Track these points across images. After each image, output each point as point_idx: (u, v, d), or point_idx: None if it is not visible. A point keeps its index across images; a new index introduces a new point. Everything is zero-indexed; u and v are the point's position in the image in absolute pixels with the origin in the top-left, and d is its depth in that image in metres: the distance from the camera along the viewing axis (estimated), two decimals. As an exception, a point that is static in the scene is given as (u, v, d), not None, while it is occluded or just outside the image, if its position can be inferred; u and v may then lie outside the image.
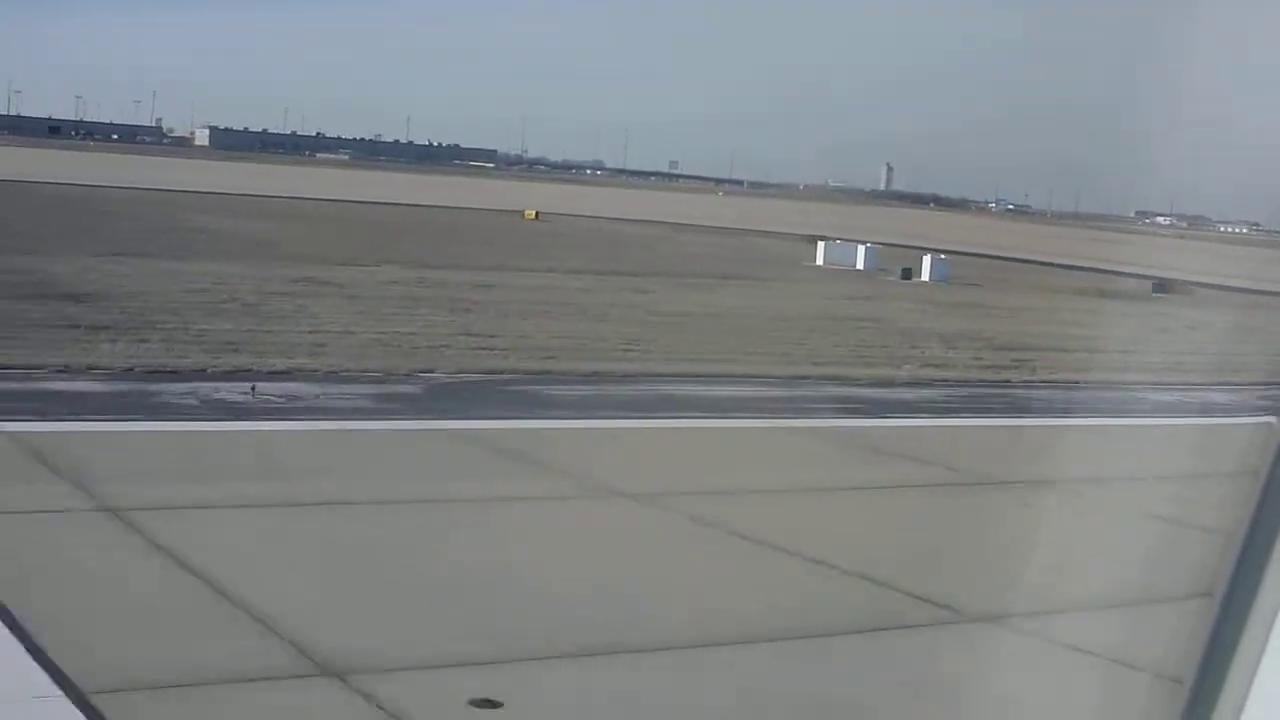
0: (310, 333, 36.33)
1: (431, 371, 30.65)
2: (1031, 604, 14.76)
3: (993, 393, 34.19)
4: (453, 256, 67.71)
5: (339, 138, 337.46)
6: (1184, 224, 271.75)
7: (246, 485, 19.26)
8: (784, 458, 23.69)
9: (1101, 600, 15.27)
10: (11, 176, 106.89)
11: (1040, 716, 12.43)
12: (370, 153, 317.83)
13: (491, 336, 37.70)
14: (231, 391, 26.62)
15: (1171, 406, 33.31)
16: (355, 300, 45.74)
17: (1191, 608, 3.30)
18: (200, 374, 28.64)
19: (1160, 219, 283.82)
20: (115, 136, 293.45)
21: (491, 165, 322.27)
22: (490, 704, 11.71)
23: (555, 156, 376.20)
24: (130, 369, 28.60)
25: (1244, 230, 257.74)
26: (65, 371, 27.79)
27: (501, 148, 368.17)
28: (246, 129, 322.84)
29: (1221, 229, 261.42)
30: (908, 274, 75.98)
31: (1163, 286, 78.20)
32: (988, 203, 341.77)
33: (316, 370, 29.83)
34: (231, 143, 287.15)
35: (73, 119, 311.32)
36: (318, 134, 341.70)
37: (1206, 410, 31.98)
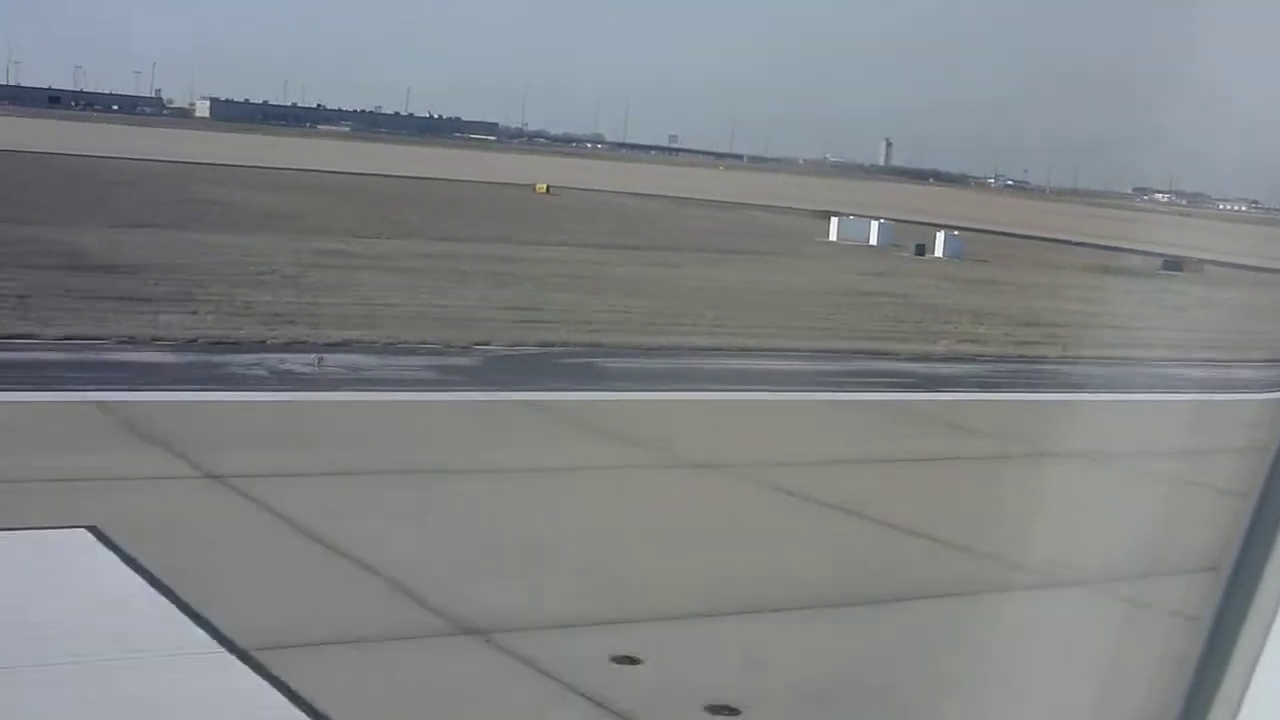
0: (355, 305, 36.80)
1: (488, 344, 31.13)
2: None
3: (1036, 368, 34.75)
4: (472, 230, 68.11)
5: (340, 110, 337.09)
6: (1183, 201, 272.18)
7: (338, 453, 19.81)
8: (850, 430, 24.27)
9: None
10: (19, 147, 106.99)
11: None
12: (371, 125, 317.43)
13: (534, 310, 38.19)
14: (296, 363, 27.11)
15: (1217, 383, 33.88)
16: (389, 273, 46.15)
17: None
18: (260, 345, 29.11)
19: (1159, 196, 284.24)
20: (116, 107, 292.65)
21: (493, 138, 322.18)
22: (631, 660, 12.28)
23: (555, 130, 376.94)
24: (193, 340, 29.06)
25: (1243, 208, 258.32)
26: (130, 343, 28.24)
27: (502, 121, 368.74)
28: (247, 100, 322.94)
29: (1221, 206, 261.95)
30: (921, 250, 76.43)
31: (1174, 264, 78.63)
32: (986, 178, 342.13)
33: (374, 342, 30.32)
34: (232, 114, 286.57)
35: (73, 89, 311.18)
36: (318, 106, 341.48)
37: (1247, 386, 32.57)
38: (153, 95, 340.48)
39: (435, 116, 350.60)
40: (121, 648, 12.13)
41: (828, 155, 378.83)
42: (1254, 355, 39.69)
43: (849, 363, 33.62)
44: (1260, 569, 2.55)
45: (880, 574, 15.62)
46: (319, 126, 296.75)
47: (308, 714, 10.71)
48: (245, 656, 11.81)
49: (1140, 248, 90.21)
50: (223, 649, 12.05)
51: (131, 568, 14.03)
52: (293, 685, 11.22)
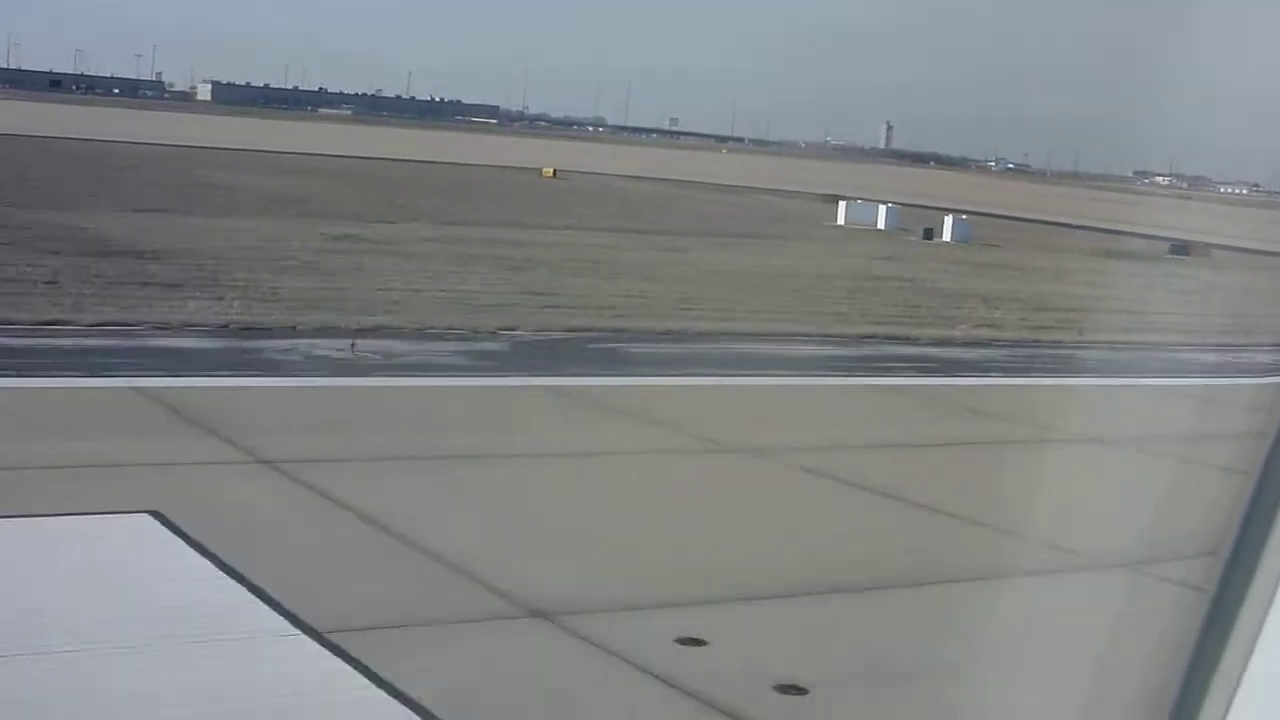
0: (378, 290, 37.03)
1: (514, 330, 31.40)
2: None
3: (1055, 353, 35.02)
4: (482, 214, 68.28)
5: (341, 93, 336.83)
6: (1184, 184, 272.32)
7: (381, 439, 20.08)
8: (877, 414, 24.56)
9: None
10: (25, 132, 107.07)
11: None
12: (372, 108, 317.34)
13: (553, 295, 38.44)
14: (330, 348, 27.36)
15: (1235, 367, 34.15)
16: (405, 258, 46.36)
17: None
18: (291, 331, 29.37)
19: (1160, 179, 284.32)
20: (117, 91, 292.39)
21: (494, 121, 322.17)
22: (697, 642, 12.58)
23: (556, 113, 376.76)
24: (224, 325, 29.33)
25: (1244, 191, 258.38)
26: (165, 328, 28.51)
27: (503, 104, 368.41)
28: (249, 84, 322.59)
29: (1222, 190, 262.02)
30: (929, 234, 76.63)
31: (1181, 248, 78.84)
32: (987, 161, 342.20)
33: (403, 328, 30.58)
34: (234, 98, 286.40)
35: (73, 73, 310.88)
36: (320, 89, 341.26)
37: (1265, 370, 32.85)
38: (154, 79, 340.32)
39: (437, 100, 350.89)
40: (199, 631, 12.41)
41: (828, 138, 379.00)
42: (1268, 340, 39.98)
43: (870, 348, 33.89)
44: (1259, 552, 2.55)
45: (923, 556, 15.92)
46: (320, 110, 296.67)
47: (391, 695, 10.99)
48: (322, 639, 12.10)
49: (1145, 231, 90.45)
50: (299, 631, 12.34)
51: (198, 552, 14.32)
52: (372, 667, 11.51)
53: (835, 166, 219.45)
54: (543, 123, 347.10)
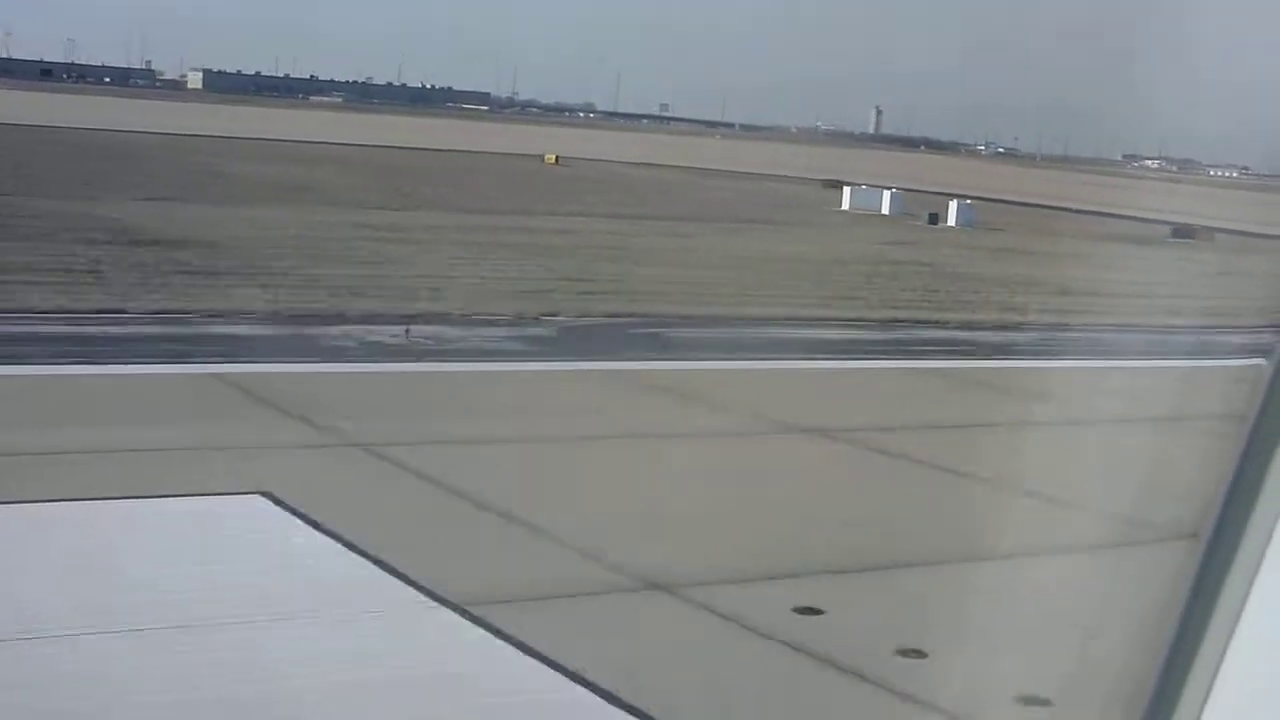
0: (414, 277, 37.58)
1: (557, 315, 31.98)
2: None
3: (1091, 336, 35.70)
4: (493, 201, 68.74)
5: (332, 81, 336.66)
6: (1174, 168, 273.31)
7: (458, 421, 20.68)
8: (931, 397, 25.21)
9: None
10: (23, 121, 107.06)
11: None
12: (364, 95, 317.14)
13: (584, 281, 39.02)
14: (383, 334, 27.92)
15: (1265, 348, 34.83)
16: (429, 246, 46.89)
17: None
18: (340, 318, 29.92)
19: (1149, 162, 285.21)
20: (108, 80, 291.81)
21: (485, 108, 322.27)
22: (813, 610, 13.20)
23: (547, 99, 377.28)
24: (275, 313, 29.86)
25: (1234, 174, 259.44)
26: (220, 316, 29.04)
27: (493, 91, 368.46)
28: (240, 72, 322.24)
29: (1211, 173, 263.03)
30: (934, 219, 77.23)
31: (1184, 232, 79.44)
32: (977, 146, 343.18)
33: (448, 314, 31.15)
34: (225, 86, 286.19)
35: (64, 62, 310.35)
36: (311, 77, 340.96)
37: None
38: (144, 67, 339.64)
39: (428, 87, 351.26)
40: (344, 604, 13.01)
41: (818, 123, 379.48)
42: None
43: (905, 331, 34.54)
44: (1239, 535, 2.59)
45: (1011, 530, 16.55)
46: (312, 98, 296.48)
47: (544, 663, 11.58)
48: (463, 611, 12.68)
49: (1143, 215, 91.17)
50: (438, 604, 12.93)
51: (318, 529, 14.89)
52: (518, 638, 12.09)
53: (827, 152, 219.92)
54: (534, 109, 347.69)
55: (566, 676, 11.32)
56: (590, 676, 11.28)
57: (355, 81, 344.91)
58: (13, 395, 20.61)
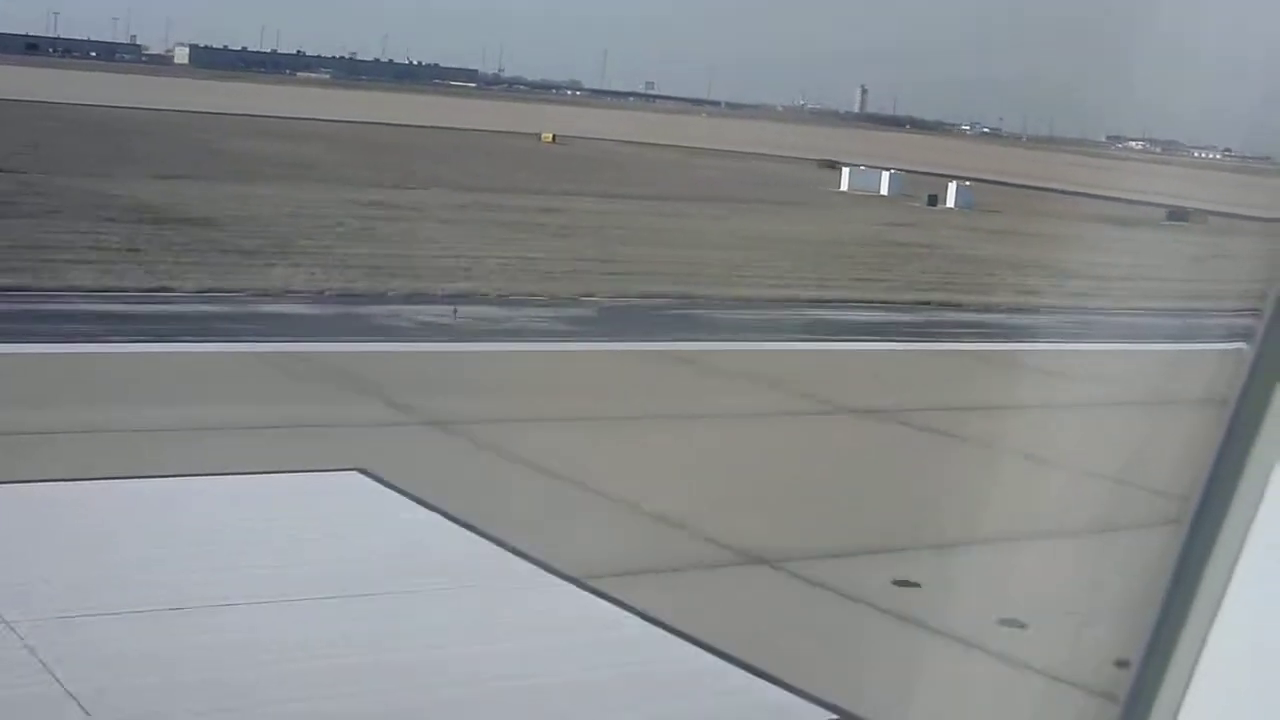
0: (442, 257, 38.03)
1: (592, 295, 32.53)
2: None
3: (1113, 320, 36.39)
4: (497, 180, 69.06)
5: (319, 56, 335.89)
6: (1158, 149, 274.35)
7: (527, 399, 21.29)
8: (965, 378, 25.87)
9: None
10: (19, 97, 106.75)
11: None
12: (350, 71, 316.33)
13: (607, 262, 39.51)
14: (430, 314, 28.42)
15: None
16: (445, 225, 47.29)
17: None
18: (384, 297, 30.41)
19: (1133, 144, 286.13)
20: (94, 54, 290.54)
21: (472, 85, 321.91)
22: (911, 584, 13.84)
23: (532, 76, 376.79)
24: (320, 292, 30.34)
25: (1217, 156, 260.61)
26: (266, 295, 29.50)
27: (479, 67, 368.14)
28: (226, 47, 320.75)
29: (1195, 154, 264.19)
30: (933, 200, 77.82)
31: (1178, 214, 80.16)
32: (962, 126, 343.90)
33: (487, 294, 31.68)
34: (212, 61, 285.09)
35: (49, 36, 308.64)
36: (298, 52, 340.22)
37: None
38: (129, 42, 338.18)
39: (414, 63, 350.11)
40: (464, 577, 13.61)
41: (803, 101, 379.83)
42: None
43: (924, 314, 35.20)
44: (1221, 519, 2.60)
45: (1079, 508, 17.20)
46: (299, 74, 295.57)
47: (670, 633, 12.19)
48: (582, 584, 13.28)
49: (1135, 197, 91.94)
50: (556, 577, 13.51)
51: (422, 505, 15.45)
52: (640, 609, 12.69)
53: (815, 131, 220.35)
54: (520, 86, 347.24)
55: (696, 645, 11.92)
56: (721, 645, 11.88)
57: (341, 57, 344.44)
58: (92, 373, 21.08)
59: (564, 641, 12.21)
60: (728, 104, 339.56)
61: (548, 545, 14.33)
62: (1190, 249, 59.76)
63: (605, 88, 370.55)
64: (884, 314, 34.33)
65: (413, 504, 15.52)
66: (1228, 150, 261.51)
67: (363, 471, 16.55)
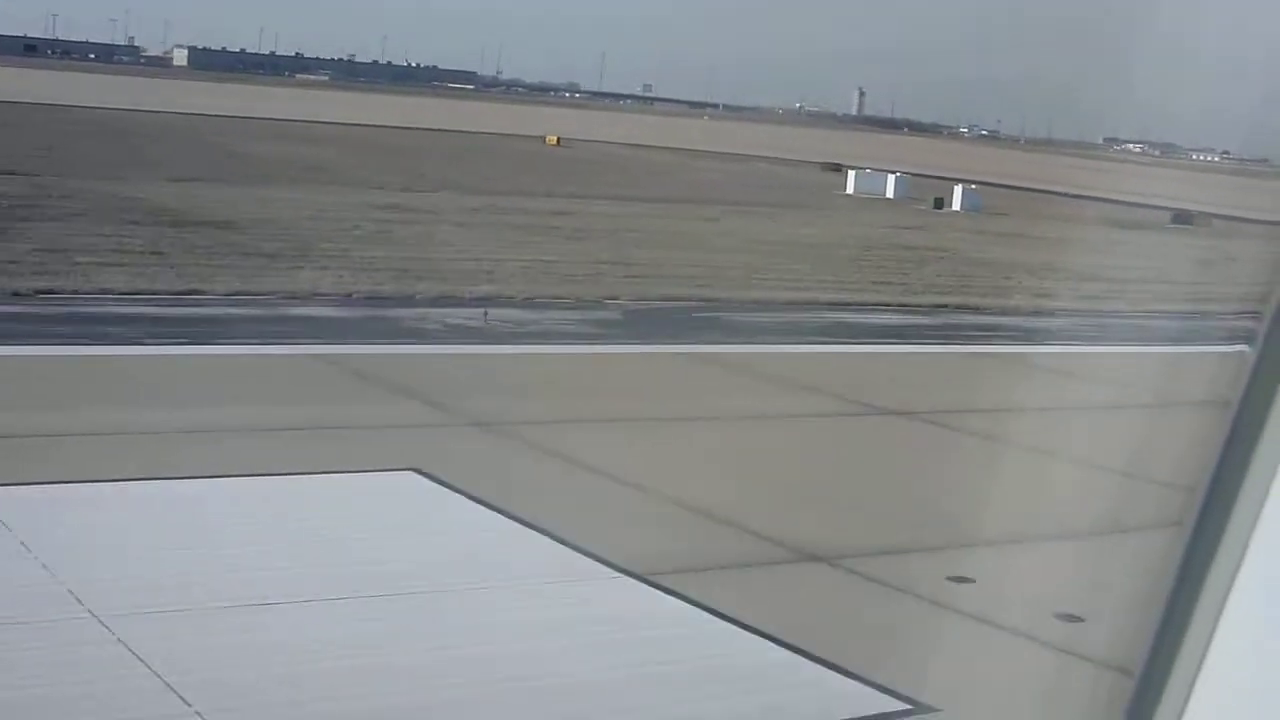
0: (462, 260, 38.35)
1: (617, 298, 32.85)
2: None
3: (1132, 323, 36.79)
4: (506, 183, 69.33)
5: (317, 58, 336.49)
6: (1156, 151, 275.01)
7: (565, 401, 21.59)
8: (989, 380, 26.22)
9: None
10: (22, 99, 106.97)
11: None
12: (349, 73, 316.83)
13: (628, 265, 39.84)
14: (460, 317, 28.74)
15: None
16: (461, 228, 47.58)
17: None
18: (412, 300, 30.72)
19: (1131, 146, 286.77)
20: (93, 56, 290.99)
21: (471, 87, 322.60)
22: (965, 579, 14.17)
23: (531, 78, 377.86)
24: (349, 295, 30.65)
25: (1215, 158, 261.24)
26: (295, 298, 29.80)
27: (477, 69, 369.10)
28: (225, 49, 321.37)
29: (1193, 156, 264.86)
30: (939, 204, 78.20)
31: (1183, 218, 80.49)
32: (960, 128, 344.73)
33: (513, 297, 31.98)
34: (210, 63, 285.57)
35: (48, 38, 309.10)
36: (297, 54, 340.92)
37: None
38: (127, 44, 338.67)
39: (413, 65, 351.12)
40: (526, 574, 13.90)
41: (800, 104, 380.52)
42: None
43: (943, 317, 35.53)
44: (1224, 522, 2.59)
45: (1132, 506, 17.51)
46: (297, 75, 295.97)
47: (741, 628, 12.50)
48: (646, 580, 13.59)
49: (1138, 200, 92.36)
50: (620, 573, 13.82)
51: (481, 504, 15.75)
52: (707, 605, 13.00)
53: (814, 133, 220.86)
54: (519, 89, 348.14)
55: (769, 640, 12.24)
56: (792, 639, 12.20)
57: (340, 59, 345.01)
58: (137, 377, 21.39)
59: (634, 636, 12.51)
60: (726, 106, 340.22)
61: (606, 543, 14.64)
62: (1198, 252, 60.13)
63: (603, 90, 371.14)
64: (903, 317, 34.68)
65: (472, 503, 15.82)
66: (1226, 153, 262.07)
67: (418, 471, 16.85)
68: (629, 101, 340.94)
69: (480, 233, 46.42)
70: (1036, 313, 37.22)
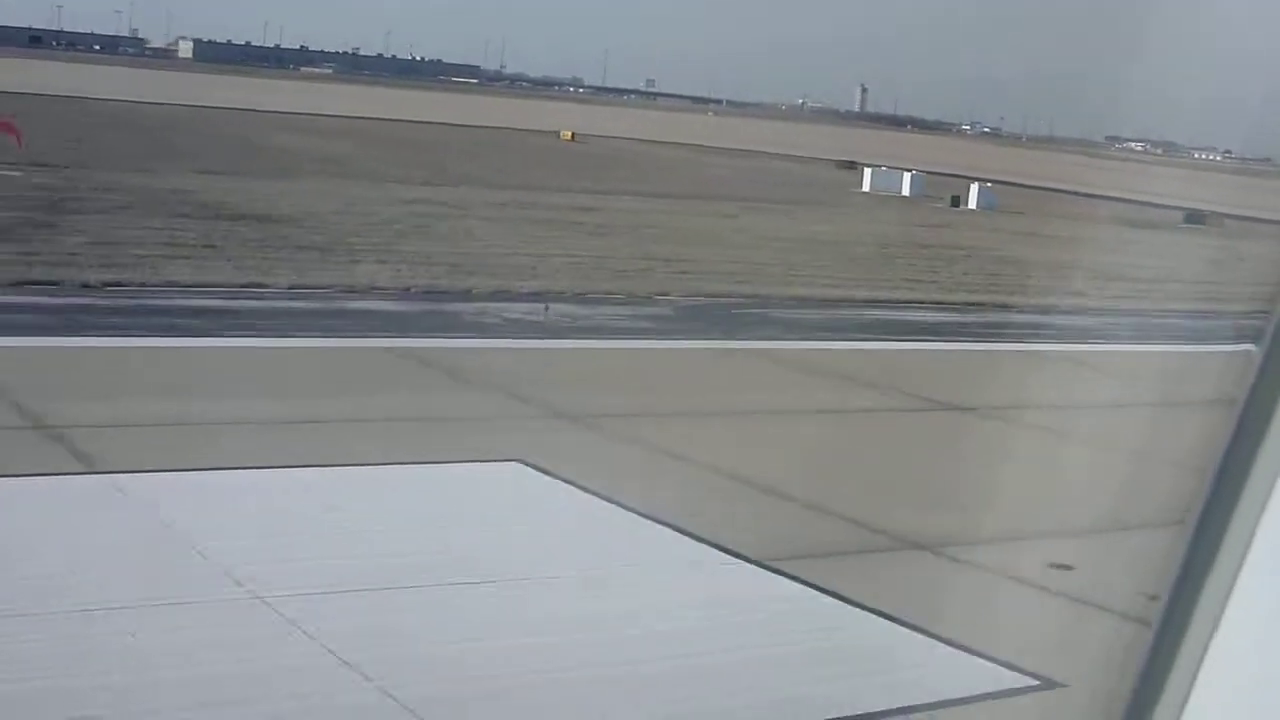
0: (504, 255, 38.94)
1: (667, 294, 33.49)
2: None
3: (1171, 322, 37.44)
4: (527, 177, 69.90)
5: (322, 51, 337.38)
6: (1158, 150, 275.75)
7: (641, 395, 22.22)
8: (1046, 377, 26.86)
9: None
10: (36, 90, 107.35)
11: None
12: (353, 67, 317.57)
13: (669, 261, 40.45)
14: (520, 311, 29.35)
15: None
16: (492, 222, 48.12)
17: None
18: (468, 294, 31.34)
19: (1133, 145, 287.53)
20: (97, 48, 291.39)
21: (475, 81, 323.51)
22: (1065, 567, 14.82)
23: (534, 73, 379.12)
24: (407, 289, 31.26)
25: (1217, 157, 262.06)
26: (354, 291, 30.40)
27: (481, 64, 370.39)
28: (230, 42, 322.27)
29: (1195, 155, 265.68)
30: (956, 202, 78.83)
31: (1195, 218, 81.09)
32: (962, 125, 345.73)
33: (564, 292, 32.58)
34: (216, 55, 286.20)
35: (53, 29, 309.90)
36: (301, 47, 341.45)
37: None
38: (131, 35, 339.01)
39: (417, 59, 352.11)
40: (638, 558, 14.54)
41: (803, 101, 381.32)
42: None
43: (981, 315, 36.18)
44: (1226, 521, 2.58)
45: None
46: (302, 69, 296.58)
47: (866, 610, 13.14)
48: (766, 566, 14.21)
49: (1149, 199, 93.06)
50: (735, 558, 14.45)
51: (593, 495, 16.31)
52: (828, 588, 13.64)
53: (819, 130, 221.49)
54: (523, 83, 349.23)
55: (890, 620, 12.87)
56: (913, 620, 12.84)
57: (344, 53, 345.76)
58: (227, 369, 22.00)
59: (753, 619, 13.11)
60: (729, 102, 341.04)
61: (717, 530, 15.24)
62: (1217, 252, 60.75)
63: (607, 85, 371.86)
64: (942, 314, 35.33)
65: (581, 492, 16.41)
66: (1228, 152, 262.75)
67: (523, 462, 17.44)
68: (632, 96, 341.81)
69: (513, 228, 47.01)
70: (1071, 311, 37.83)
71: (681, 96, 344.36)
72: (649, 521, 15.46)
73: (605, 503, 16.06)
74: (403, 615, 12.46)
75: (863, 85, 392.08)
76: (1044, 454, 20.45)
